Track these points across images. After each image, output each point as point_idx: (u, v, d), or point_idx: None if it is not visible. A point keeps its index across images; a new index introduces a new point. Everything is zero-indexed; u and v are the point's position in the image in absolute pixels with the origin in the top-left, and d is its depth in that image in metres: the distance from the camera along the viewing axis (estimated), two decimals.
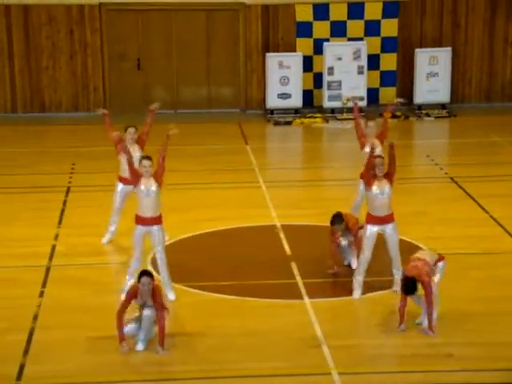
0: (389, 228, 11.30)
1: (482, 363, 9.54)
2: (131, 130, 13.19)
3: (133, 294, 9.86)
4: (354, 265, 11.93)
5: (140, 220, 11.05)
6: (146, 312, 9.81)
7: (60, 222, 14.27)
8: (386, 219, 11.27)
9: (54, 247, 13.11)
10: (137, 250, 11.15)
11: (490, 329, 10.36)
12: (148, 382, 9.37)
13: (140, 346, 9.87)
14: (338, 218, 11.84)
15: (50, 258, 12.68)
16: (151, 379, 9.41)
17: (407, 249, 12.89)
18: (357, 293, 11.25)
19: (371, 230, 11.22)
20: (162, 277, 11.16)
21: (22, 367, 9.57)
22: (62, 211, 14.78)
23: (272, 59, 21.57)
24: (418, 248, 12.88)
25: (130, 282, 11.02)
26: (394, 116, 21.59)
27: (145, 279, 9.78)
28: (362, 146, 13.04)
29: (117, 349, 9.89)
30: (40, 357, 9.81)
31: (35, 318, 10.74)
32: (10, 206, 15.16)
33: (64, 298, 11.34)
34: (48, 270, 12.27)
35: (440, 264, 10.53)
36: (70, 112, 22.02)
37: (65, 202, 15.27)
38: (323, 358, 9.71)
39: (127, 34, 22.03)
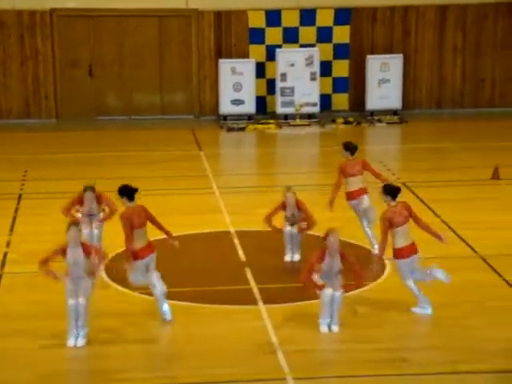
0: None
1: (436, 367, 9.61)
2: (88, 194, 12.08)
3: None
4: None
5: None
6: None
7: (12, 229, 14.12)
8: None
9: (5, 254, 12.97)
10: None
11: (444, 333, 10.45)
12: None
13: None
14: None
15: (2, 266, 12.54)
16: None
17: (357, 253, 13.00)
18: None
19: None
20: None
21: None
22: (14, 218, 14.63)
23: (225, 65, 21.59)
24: (367, 252, 12.99)
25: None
26: (346, 122, 21.78)
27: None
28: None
29: (71, 357, 9.83)
30: None
31: None
32: None
33: (16, 306, 11.21)
34: (0, 277, 12.13)
35: None
36: (21, 119, 21.81)
37: (17, 210, 15.12)
38: (278, 363, 9.72)
39: (79, 41, 21.91)
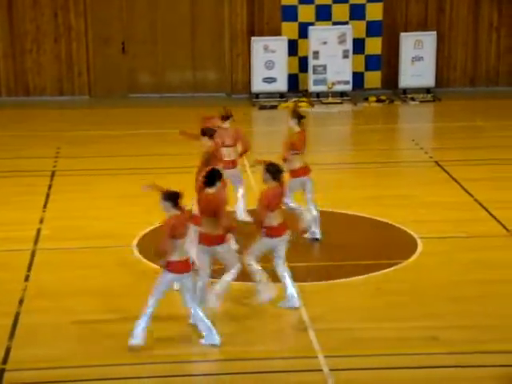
0: None
1: (469, 346, 9.58)
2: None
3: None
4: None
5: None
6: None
7: (45, 205, 14.23)
8: None
9: (39, 231, 13.08)
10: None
11: (477, 312, 10.40)
12: (131, 366, 9.38)
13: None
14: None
15: (36, 242, 12.65)
16: (134, 363, 9.42)
17: (392, 233, 12.97)
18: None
19: None
20: None
21: (7, 351, 9.55)
22: (47, 195, 14.74)
23: (257, 43, 21.53)
24: (401, 231, 12.95)
25: None
26: (378, 100, 21.66)
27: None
28: None
29: (103, 333, 9.92)
30: (26, 341, 9.78)
31: (21, 302, 10.71)
32: None
33: (49, 282, 11.31)
34: (33, 253, 12.25)
35: None
36: (54, 96, 21.94)
37: (50, 186, 15.23)
38: (309, 341, 9.74)
39: (112, 18, 21.93)
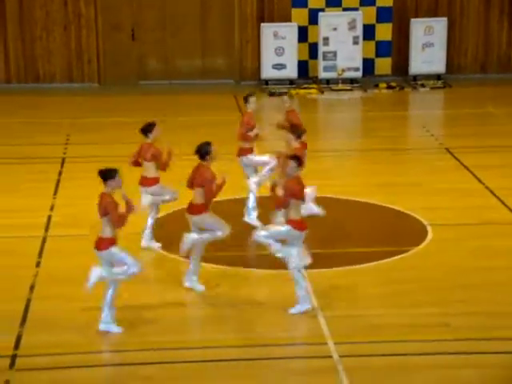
0: None
1: (478, 333, 9.59)
2: (252, 99, 13.04)
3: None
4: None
5: None
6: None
7: (55, 192, 14.27)
8: None
9: (49, 218, 13.12)
10: None
11: (486, 299, 10.41)
12: (139, 352, 9.41)
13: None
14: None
15: (46, 229, 12.69)
16: (143, 349, 9.45)
17: (402, 220, 12.95)
18: None
19: None
20: None
21: (19, 337, 9.60)
22: (58, 182, 14.78)
23: (267, 29, 21.48)
24: (411, 218, 12.94)
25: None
26: (389, 87, 21.59)
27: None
28: None
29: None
30: (37, 327, 9.83)
31: (32, 288, 10.76)
32: (5, 177, 15.15)
33: (60, 269, 11.36)
34: (44, 240, 12.28)
35: None
36: (64, 83, 21.95)
37: (60, 173, 15.26)
38: (319, 327, 9.75)
39: (121, 5, 21.91)
